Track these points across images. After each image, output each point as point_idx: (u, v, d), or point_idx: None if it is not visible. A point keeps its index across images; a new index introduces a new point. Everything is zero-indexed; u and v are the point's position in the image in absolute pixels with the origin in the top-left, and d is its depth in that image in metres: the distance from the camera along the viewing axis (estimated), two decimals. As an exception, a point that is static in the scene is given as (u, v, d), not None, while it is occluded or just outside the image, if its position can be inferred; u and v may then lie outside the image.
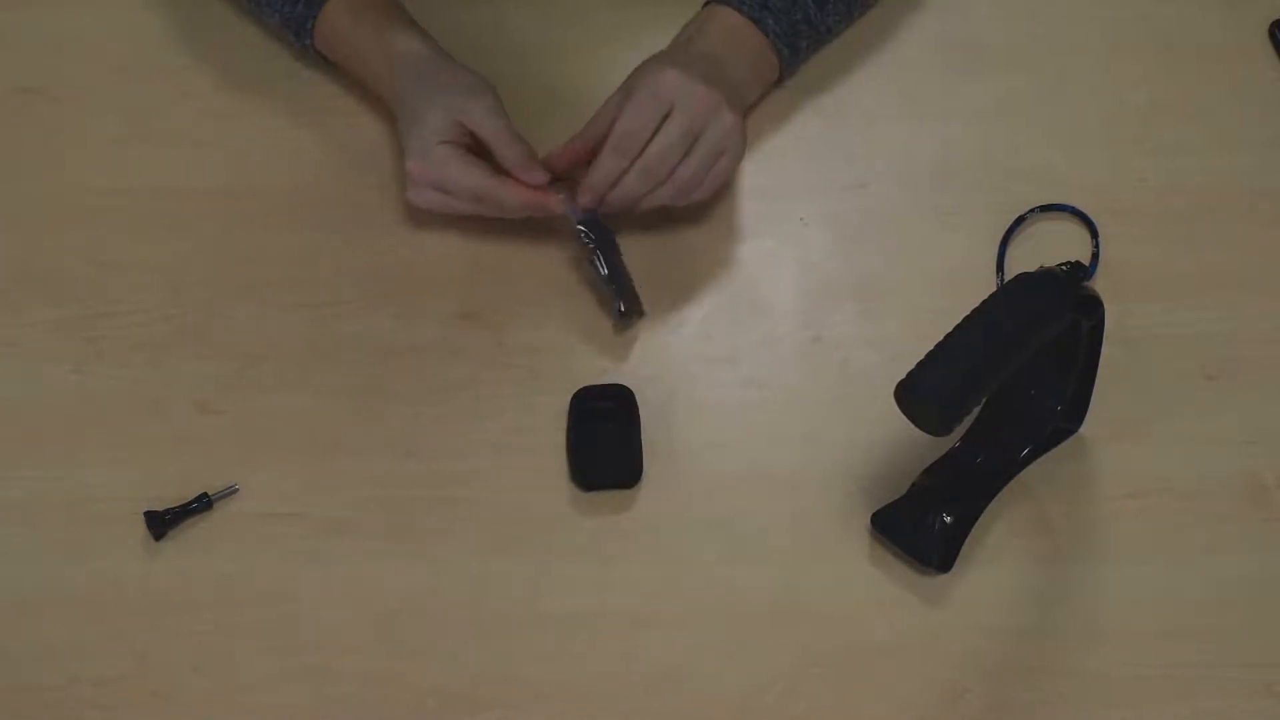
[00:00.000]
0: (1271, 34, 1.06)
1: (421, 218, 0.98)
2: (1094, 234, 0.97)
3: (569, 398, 0.91)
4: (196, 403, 0.93)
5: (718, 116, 0.90)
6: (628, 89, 0.92)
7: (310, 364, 0.94)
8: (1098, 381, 0.88)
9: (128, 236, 0.99)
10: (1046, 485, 0.89)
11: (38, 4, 1.09)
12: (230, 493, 0.89)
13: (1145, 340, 0.94)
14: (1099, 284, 0.95)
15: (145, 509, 0.88)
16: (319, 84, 1.03)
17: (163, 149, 1.03)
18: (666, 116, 0.89)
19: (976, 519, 0.87)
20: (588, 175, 0.91)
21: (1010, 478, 0.88)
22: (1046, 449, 0.89)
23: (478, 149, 0.93)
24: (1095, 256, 0.96)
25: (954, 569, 0.86)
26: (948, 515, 0.86)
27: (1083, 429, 0.90)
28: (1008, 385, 0.79)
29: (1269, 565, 0.87)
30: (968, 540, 0.87)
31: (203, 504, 0.88)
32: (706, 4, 0.98)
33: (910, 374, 0.75)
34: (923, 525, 0.86)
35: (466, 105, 0.92)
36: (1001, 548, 0.87)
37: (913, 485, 0.87)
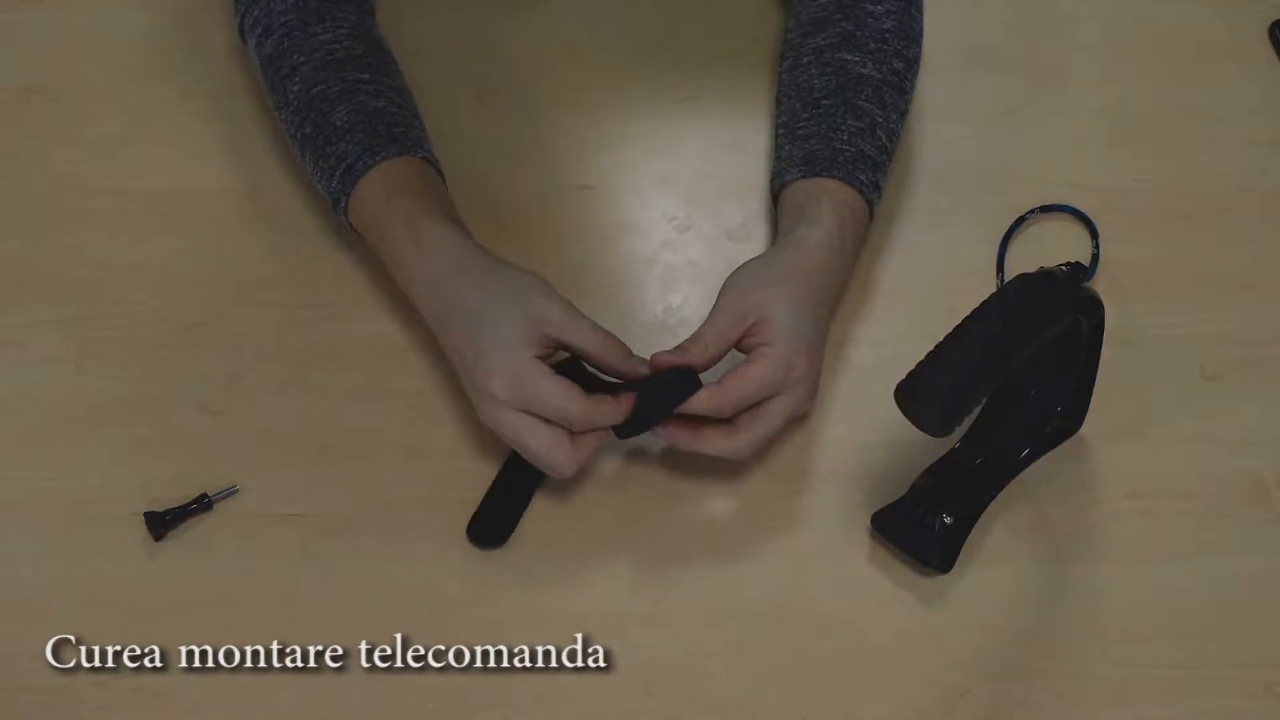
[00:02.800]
0: (1271, 34, 1.06)
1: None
2: (1094, 234, 0.97)
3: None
4: (196, 403, 0.93)
5: (809, 405, 0.87)
6: (762, 314, 0.84)
7: (310, 364, 0.94)
8: (1098, 381, 0.88)
9: (127, 236, 0.99)
10: (1046, 485, 0.89)
11: (38, 4, 1.09)
12: (230, 493, 0.89)
13: (1145, 340, 0.94)
14: (1099, 284, 0.95)
15: (145, 509, 0.88)
16: (319, 84, 1.03)
17: (163, 149, 1.03)
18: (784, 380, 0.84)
19: (976, 519, 0.87)
20: (695, 432, 0.85)
21: (1010, 478, 0.88)
22: (1046, 449, 0.89)
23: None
24: (1095, 257, 0.96)
25: (954, 569, 0.86)
26: (948, 515, 0.86)
27: (1083, 429, 0.90)
28: (1008, 386, 0.79)
29: (1269, 565, 0.87)
30: (968, 540, 0.87)
31: (203, 504, 0.88)
32: (821, 173, 0.91)
33: (910, 374, 0.75)
34: (923, 525, 0.86)
35: (545, 311, 0.83)
36: (1001, 548, 0.87)
37: (913, 485, 0.87)
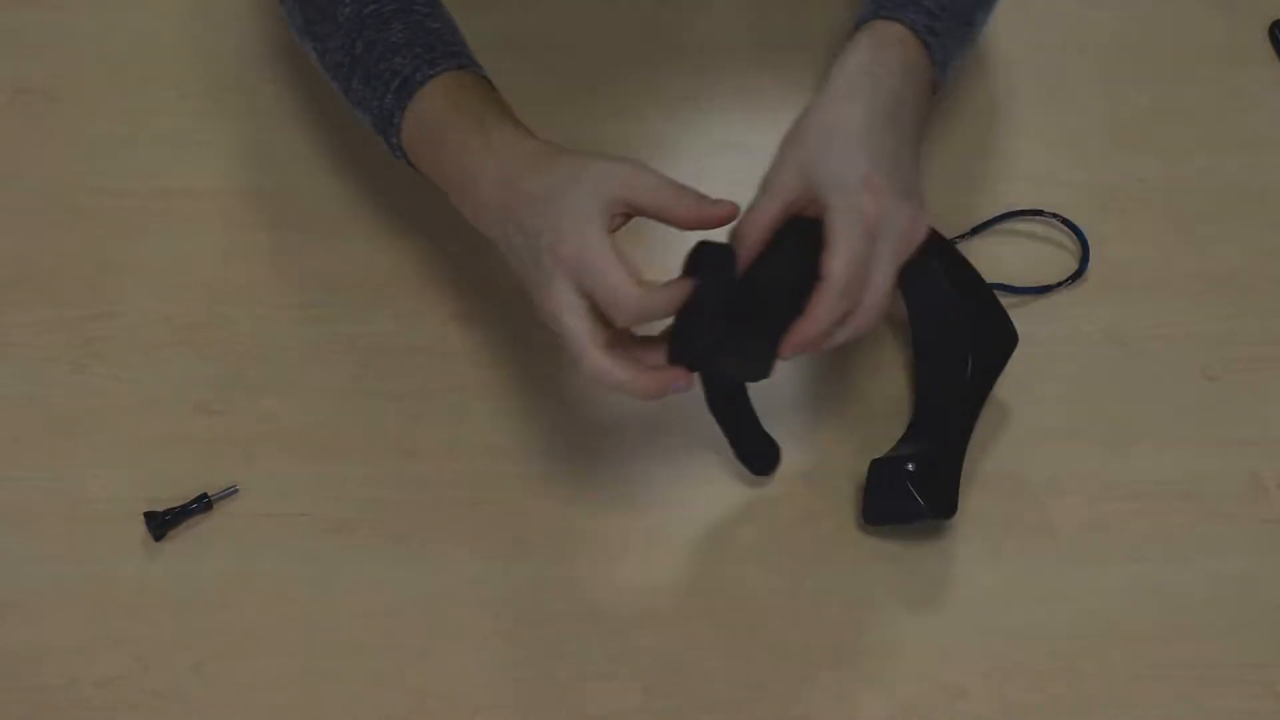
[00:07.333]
0: (1271, 34, 1.06)
1: (419, 218, 0.98)
2: (1079, 235, 0.96)
3: (566, 397, 0.91)
4: (196, 403, 0.93)
5: (916, 229, 0.79)
6: (808, 170, 0.79)
7: (310, 364, 0.94)
8: (1097, 383, 0.88)
9: (128, 236, 0.99)
10: (1046, 485, 0.89)
11: (38, 4, 1.09)
12: (230, 493, 0.89)
13: (1145, 340, 0.94)
14: (1099, 284, 0.95)
15: (145, 509, 0.88)
16: (319, 84, 1.03)
17: (163, 149, 1.03)
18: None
19: (962, 457, 0.86)
20: (800, 327, 0.77)
21: (977, 408, 0.87)
22: (998, 363, 0.88)
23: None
24: (1085, 258, 0.96)
25: (953, 569, 0.86)
26: (931, 466, 0.85)
27: (1082, 429, 0.90)
28: (920, 342, 0.84)
29: (1269, 565, 0.87)
30: (967, 540, 0.87)
31: (203, 504, 0.88)
32: (866, 21, 0.86)
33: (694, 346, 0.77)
34: (905, 493, 0.84)
35: (613, 170, 0.78)
36: (1001, 548, 0.87)
37: (875, 465, 0.87)
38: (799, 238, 0.79)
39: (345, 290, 0.96)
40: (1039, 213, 0.97)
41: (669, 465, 0.90)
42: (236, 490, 0.89)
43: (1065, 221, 0.96)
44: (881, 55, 0.84)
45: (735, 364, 0.81)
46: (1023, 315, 0.94)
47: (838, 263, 0.76)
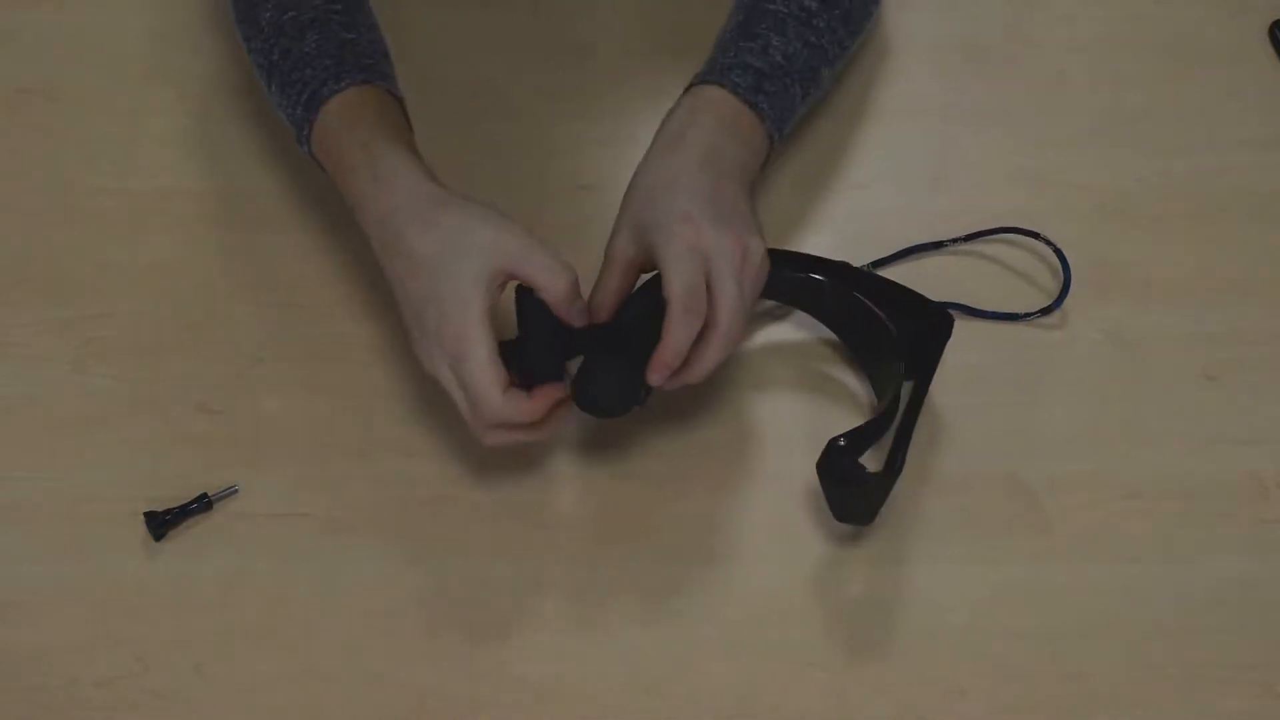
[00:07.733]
0: (1271, 34, 1.06)
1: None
2: (1065, 272, 0.96)
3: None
4: (196, 403, 0.93)
5: (749, 249, 0.83)
6: (636, 229, 0.84)
7: (310, 364, 0.94)
8: (1097, 383, 0.88)
9: (128, 236, 0.99)
10: (1046, 485, 0.89)
11: (38, 4, 1.09)
12: (230, 493, 0.89)
13: (1145, 340, 0.94)
14: (1099, 285, 0.95)
15: (145, 509, 0.88)
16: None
17: (163, 149, 1.03)
18: (709, 265, 0.81)
19: (911, 426, 0.86)
20: (660, 351, 0.81)
21: (920, 383, 0.87)
22: (937, 347, 0.88)
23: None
24: (1064, 290, 0.95)
25: (952, 569, 0.86)
26: (867, 436, 0.85)
27: (1082, 429, 0.90)
28: (856, 350, 0.88)
29: (1269, 565, 0.87)
30: (966, 540, 0.87)
31: (203, 504, 0.88)
32: (692, 86, 0.90)
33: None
34: (848, 465, 0.83)
35: (497, 242, 0.81)
36: (1000, 548, 0.87)
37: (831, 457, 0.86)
38: (655, 292, 0.83)
39: (345, 290, 0.96)
40: (1035, 235, 0.96)
41: (670, 465, 0.90)
42: (236, 490, 0.89)
43: (1056, 250, 0.95)
44: (697, 117, 0.88)
45: (604, 395, 0.85)
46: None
47: (673, 286, 0.80)
